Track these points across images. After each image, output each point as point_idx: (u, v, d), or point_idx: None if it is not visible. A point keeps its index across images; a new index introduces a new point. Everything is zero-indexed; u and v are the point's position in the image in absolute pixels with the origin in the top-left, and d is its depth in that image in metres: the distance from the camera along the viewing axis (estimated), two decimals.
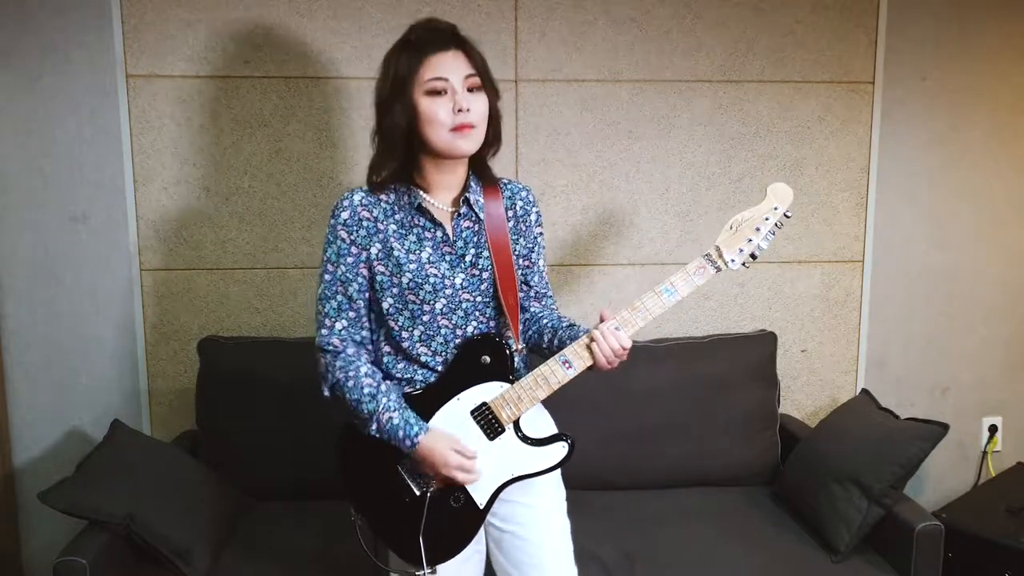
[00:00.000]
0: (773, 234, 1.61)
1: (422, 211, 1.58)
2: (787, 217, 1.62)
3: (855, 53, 2.61)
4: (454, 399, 1.58)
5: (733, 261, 1.59)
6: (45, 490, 1.98)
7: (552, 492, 1.70)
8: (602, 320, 1.55)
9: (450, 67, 1.50)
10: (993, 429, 2.85)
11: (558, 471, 1.70)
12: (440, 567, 1.59)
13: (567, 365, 1.56)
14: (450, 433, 1.56)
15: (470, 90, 1.52)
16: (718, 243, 1.60)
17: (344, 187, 2.51)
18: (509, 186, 1.69)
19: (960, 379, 2.82)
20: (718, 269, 1.59)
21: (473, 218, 1.61)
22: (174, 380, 2.55)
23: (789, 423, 2.62)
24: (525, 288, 1.72)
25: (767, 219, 1.60)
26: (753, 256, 1.61)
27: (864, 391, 2.53)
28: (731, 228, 1.60)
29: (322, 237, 2.53)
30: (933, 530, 2.04)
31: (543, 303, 1.75)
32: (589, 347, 1.54)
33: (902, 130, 2.68)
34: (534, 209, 1.70)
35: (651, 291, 1.57)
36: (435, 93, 1.50)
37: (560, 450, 1.59)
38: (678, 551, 2.12)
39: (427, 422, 1.56)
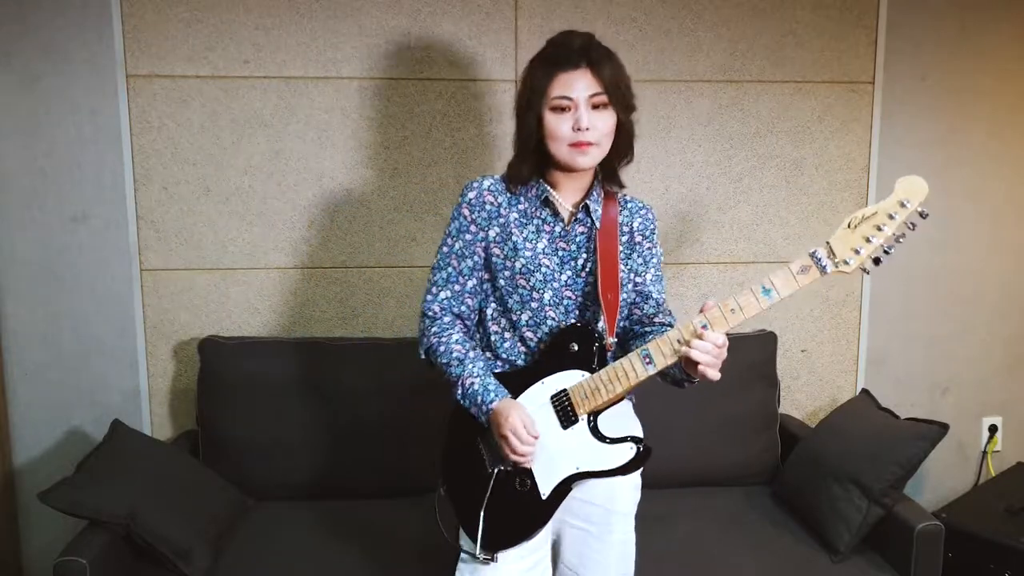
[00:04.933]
0: (904, 236, 1.41)
1: (547, 204, 1.64)
2: (922, 216, 1.40)
3: (855, 53, 2.62)
4: (539, 382, 1.60)
5: (847, 263, 1.42)
6: (45, 490, 1.97)
7: (630, 502, 1.72)
8: (702, 311, 1.50)
9: (576, 86, 1.55)
10: (993, 429, 2.85)
11: (639, 483, 1.72)
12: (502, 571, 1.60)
13: (647, 360, 1.52)
14: (527, 410, 1.56)
15: (595, 107, 1.57)
16: (830, 240, 1.43)
17: (344, 187, 2.51)
18: (630, 204, 1.73)
19: (960, 379, 2.82)
20: (825, 270, 1.43)
21: (588, 224, 1.65)
22: (174, 380, 2.55)
23: (789, 423, 2.62)
24: (640, 302, 1.71)
25: (892, 216, 1.40)
26: (877, 261, 1.42)
27: (864, 391, 2.53)
28: (848, 225, 1.42)
29: (322, 237, 2.55)
30: (933, 530, 2.04)
31: (655, 318, 1.70)
32: (675, 345, 1.50)
33: (902, 130, 2.68)
34: (651, 227, 1.73)
35: (748, 289, 1.46)
36: (559, 110, 1.56)
37: (627, 451, 1.57)
38: (679, 551, 2.12)
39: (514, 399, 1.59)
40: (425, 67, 2.48)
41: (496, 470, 1.59)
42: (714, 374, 1.47)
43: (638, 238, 1.71)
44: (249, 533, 2.21)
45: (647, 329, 1.67)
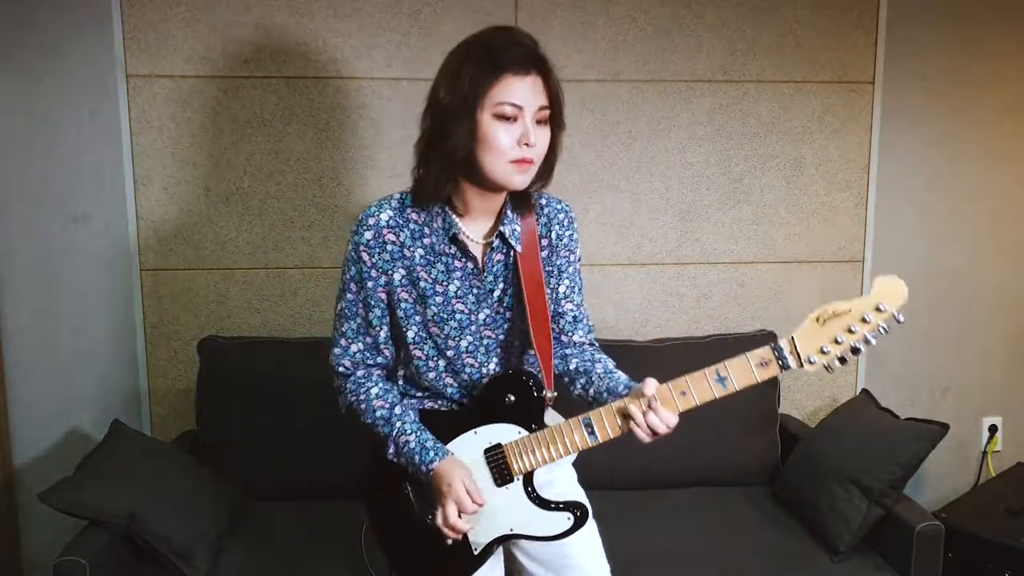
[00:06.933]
0: (875, 338, 1.30)
1: (455, 241, 1.46)
2: (898, 321, 1.29)
3: (855, 53, 2.61)
4: (472, 431, 1.49)
5: (811, 361, 1.32)
6: (45, 490, 1.97)
7: (580, 493, 1.65)
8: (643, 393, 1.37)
9: (527, 94, 1.37)
10: (993, 429, 2.85)
11: (573, 473, 1.65)
12: None
13: (589, 430, 1.41)
14: (468, 468, 1.46)
15: (538, 122, 1.39)
16: (795, 335, 1.32)
17: (344, 187, 2.51)
18: (546, 208, 1.53)
19: (960, 379, 2.82)
20: (786, 366, 1.32)
21: (505, 251, 1.48)
22: (174, 380, 2.55)
23: (789, 423, 2.62)
24: (557, 317, 1.58)
25: (866, 319, 1.29)
26: (843, 360, 1.32)
27: (864, 391, 2.53)
28: (817, 319, 1.31)
29: (322, 237, 2.55)
30: (933, 530, 2.04)
31: (572, 337, 1.59)
32: (622, 417, 1.38)
33: (902, 130, 2.68)
34: (567, 232, 1.54)
35: (702, 373, 1.36)
36: (503, 118, 1.36)
37: (564, 521, 1.48)
38: (678, 551, 2.12)
39: (444, 444, 1.49)
40: (425, 67, 2.48)
41: (427, 521, 1.49)
42: (644, 438, 1.39)
43: (564, 253, 1.53)
44: (249, 533, 2.21)
45: (567, 352, 1.56)
